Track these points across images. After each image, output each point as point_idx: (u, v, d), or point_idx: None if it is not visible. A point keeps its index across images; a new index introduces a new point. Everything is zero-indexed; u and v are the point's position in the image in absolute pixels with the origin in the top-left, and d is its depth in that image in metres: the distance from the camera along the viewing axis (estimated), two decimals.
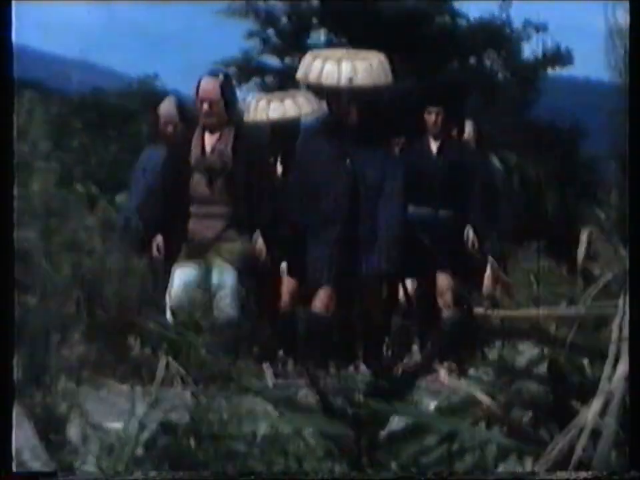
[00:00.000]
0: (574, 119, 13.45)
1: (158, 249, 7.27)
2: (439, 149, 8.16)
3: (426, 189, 7.76)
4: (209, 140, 7.34)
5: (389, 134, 7.93)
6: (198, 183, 7.27)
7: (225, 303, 7.01)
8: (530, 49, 14.55)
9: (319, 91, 7.39)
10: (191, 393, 4.62)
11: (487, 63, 14.66)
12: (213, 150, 7.31)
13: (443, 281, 7.59)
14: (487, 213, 8.17)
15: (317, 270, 7.05)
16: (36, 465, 3.51)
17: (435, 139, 8.17)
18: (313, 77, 7.13)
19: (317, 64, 7.11)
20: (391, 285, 7.75)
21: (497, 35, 14.37)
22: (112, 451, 3.49)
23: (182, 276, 7.15)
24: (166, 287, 7.16)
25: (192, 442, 3.47)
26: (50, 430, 3.54)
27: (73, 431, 3.60)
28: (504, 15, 14.23)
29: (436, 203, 7.83)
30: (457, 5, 14.29)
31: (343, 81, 7.04)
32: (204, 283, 7.12)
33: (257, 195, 7.25)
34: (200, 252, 7.19)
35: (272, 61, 13.55)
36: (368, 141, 7.30)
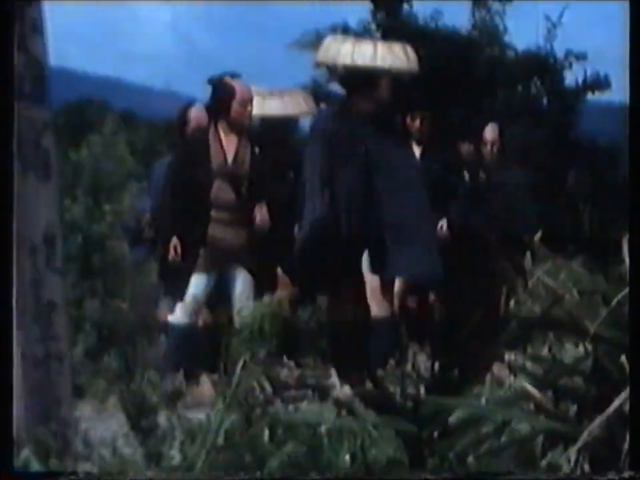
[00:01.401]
0: (612, 139, 13.34)
1: (175, 251, 6.64)
2: (422, 155, 7.82)
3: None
4: (230, 146, 6.79)
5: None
6: (221, 189, 6.72)
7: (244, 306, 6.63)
8: (572, 76, 14.48)
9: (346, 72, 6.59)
10: (263, 389, 4.64)
11: (533, 90, 14.61)
12: (236, 156, 6.77)
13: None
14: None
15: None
16: (128, 451, 3.53)
17: (418, 144, 7.79)
18: (344, 58, 6.44)
19: (348, 47, 6.48)
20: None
21: (541, 65, 14.31)
22: (195, 439, 3.51)
23: (196, 286, 6.69)
24: (179, 290, 6.73)
25: (265, 432, 3.46)
26: (140, 419, 3.56)
27: (161, 420, 3.63)
28: (548, 46, 14.17)
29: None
30: (505, 37, 14.28)
31: (379, 62, 6.41)
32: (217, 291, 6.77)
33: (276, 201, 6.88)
34: (225, 258, 6.72)
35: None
36: (386, 130, 6.66)
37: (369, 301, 6.49)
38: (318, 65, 6.85)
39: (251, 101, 6.85)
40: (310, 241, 6.39)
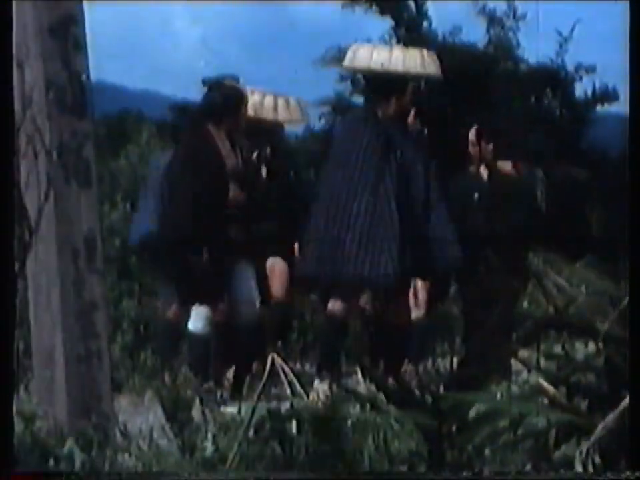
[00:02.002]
0: (621, 148, 13.30)
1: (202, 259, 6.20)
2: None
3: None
4: (236, 148, 6.46)
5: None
6: (235, 190, 6.38)
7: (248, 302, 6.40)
8: (582, 89, 14.46)
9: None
10: (289, 384, 4.63)
11: (545, 101, 14.58)
12: (243, 157, 6.48)
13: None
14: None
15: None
16: (163, 443, 3.54)
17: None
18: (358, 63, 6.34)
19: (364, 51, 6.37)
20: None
21: (553, 77, 14.29)
22: (227, 431, 3.51)
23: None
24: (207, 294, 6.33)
25: (294, 425, 3.46)
26: (175, 412, 3.56)
27: (195, 414, 3.63)
28: (560, 60, 14.16)
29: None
30: (519, 51, 14.28)
31: (373, 65, 6.28)
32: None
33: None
34: (235, 256, 6.39)
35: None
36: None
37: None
38: (347, 69, 6.62)
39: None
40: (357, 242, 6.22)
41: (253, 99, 6.80)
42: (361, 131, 6.35)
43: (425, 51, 6.53)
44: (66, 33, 3.91)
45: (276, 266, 6.87)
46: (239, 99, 6.48)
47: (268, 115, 6.92)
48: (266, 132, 6.94)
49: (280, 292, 6.86)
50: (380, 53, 6.37)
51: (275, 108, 6.94)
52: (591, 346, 2.92)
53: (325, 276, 6.24)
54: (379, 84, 6.40)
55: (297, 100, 7.18)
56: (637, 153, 2.98)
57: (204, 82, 6.61)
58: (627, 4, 3.25)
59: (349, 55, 6.52)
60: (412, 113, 6.83)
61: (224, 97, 6.45)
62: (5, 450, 3.21)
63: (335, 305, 6.26)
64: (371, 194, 6.17)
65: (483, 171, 7.55)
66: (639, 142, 2.97)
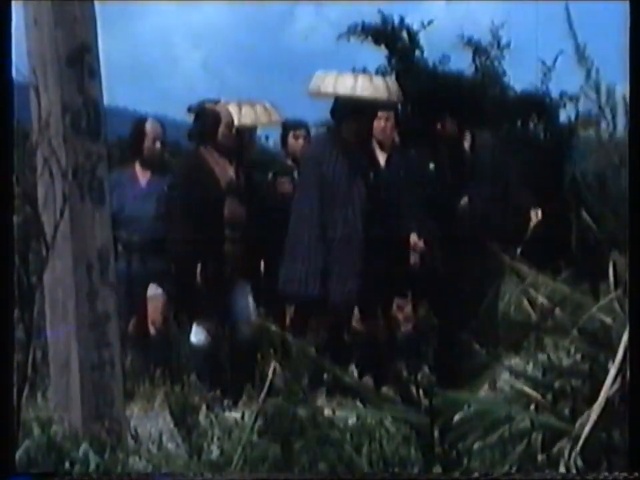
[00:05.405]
0: (601, 169, 13.37)
1: (201, 275, 6.14)
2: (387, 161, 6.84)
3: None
4: (227, 166, 6.37)
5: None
6: (231, 206, 6.29)
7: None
8: (565, 114, 14.56)
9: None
10: (291, 389, 4.61)
11: (531, 126, 14.66)
12: (237, 174, 6.38)
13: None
14: None
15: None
16: (172, 446, 3.53)
17: (382, 149, 6.80)
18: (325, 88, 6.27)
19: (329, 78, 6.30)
20: None
21: (538, 104, 14.37)
22: (232, 435, 3.51)
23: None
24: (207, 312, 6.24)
25: (296, 430, 3.45)
26: (183, 417, 3.56)
27: (201, 418, 3.62)
28: (544, 87, 14.26)
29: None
30: (505, 79, 14.38)
31: (341, 91, 6.21)
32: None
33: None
34: (234, 274, 6.28)
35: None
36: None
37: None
38: (312, 95, 6.56)
39: (234, 122, 6.54)
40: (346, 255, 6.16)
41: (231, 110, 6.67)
42: (327, 152, 6.28)
43: (388, 79, 6.52)
44: (81, 61, 3.92)
45: None
46: (214, 120, 6.41)
47: (246, 121, 6.77)
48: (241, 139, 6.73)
49: None
50: (346, 80, 6.32)
51: (246, 114, 6.77)
52: (575, 352, 2.92)
53: (297, 295, 6.16)
54: (345, 108, 6.32)
55: (264, 103, 6.97)
56: (637, 158, 2.95)
57: (189, 109, 6.66)
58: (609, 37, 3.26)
59: (315, 81, 6.45)
60: (394, 134, 6.80)
61: (205, 120, 6.44)
62: (7, 452, 3.20)
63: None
64: (337, 213, 6.13)
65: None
66: (638, 144, 2.93)
